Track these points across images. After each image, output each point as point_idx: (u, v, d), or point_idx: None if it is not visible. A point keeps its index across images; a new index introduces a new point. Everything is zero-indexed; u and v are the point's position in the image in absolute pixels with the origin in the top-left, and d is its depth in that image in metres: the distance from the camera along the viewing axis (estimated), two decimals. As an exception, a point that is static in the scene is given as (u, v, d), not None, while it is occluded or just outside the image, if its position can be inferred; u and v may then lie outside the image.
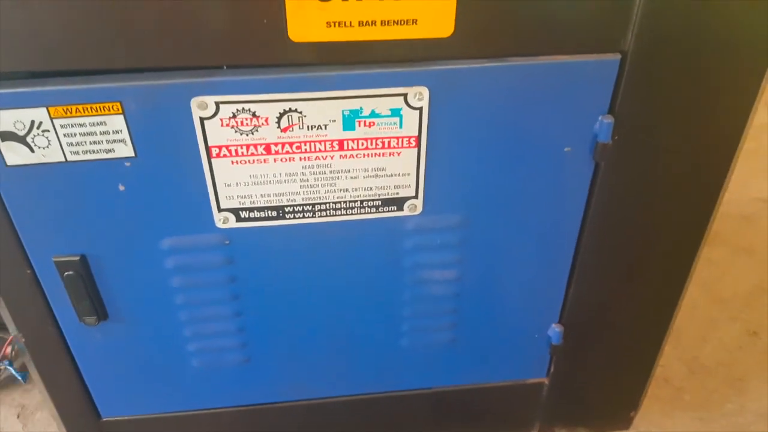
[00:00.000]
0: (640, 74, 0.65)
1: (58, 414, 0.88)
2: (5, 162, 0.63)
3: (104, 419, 0.90)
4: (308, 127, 0.65)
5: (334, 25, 0.59)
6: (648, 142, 0.70)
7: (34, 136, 0.62)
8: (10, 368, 1.08)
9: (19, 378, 1.09)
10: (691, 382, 1.19)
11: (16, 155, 0.63)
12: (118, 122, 0.62)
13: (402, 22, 0.59)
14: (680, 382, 1.19)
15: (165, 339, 0.80)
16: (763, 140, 1.93)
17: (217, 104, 0.62)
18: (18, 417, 1.14)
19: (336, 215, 0.72)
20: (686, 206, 0.76)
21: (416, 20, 0.60)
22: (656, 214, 0.76)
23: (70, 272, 0.72)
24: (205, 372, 0.85)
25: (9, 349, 1.03)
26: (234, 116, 0.63)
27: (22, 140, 0.62)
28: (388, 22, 0.59)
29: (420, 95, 0.64)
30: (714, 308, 1.37)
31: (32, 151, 0.63)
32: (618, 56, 0.64)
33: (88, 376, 0.83)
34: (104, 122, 0.62)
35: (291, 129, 0.65)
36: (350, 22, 0.59)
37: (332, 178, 0.69)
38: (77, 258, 0.71)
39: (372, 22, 0.59)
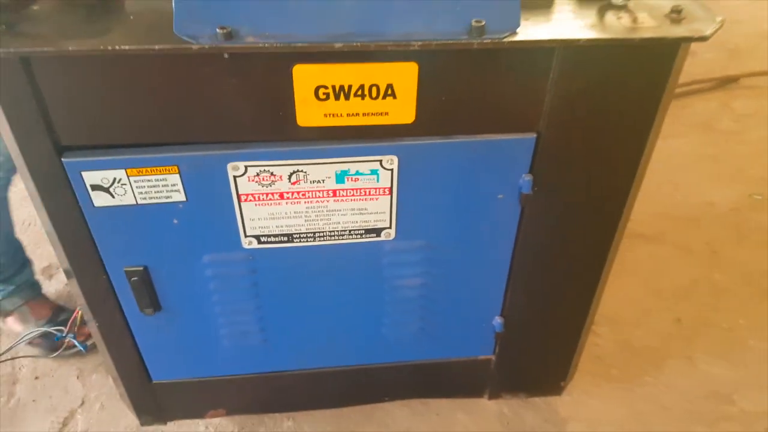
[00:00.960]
0: (550, 145, 0.89)
1: (119, 376, 1.15)
2: (93, 204, 0.89)
3: (154, 381, 1.17)
4: (311, 181, 0.90)
5: (329, 116, 0.83)
6: (558, 192, 0.95)
7: (115, 187, 0.87)
8: (74, 340, 1.35)
9: (81, 348, 1.37)
10: (619, 359, 1.46)
11: (101, 200, 0.88)
12: (175, 179, 0.87)
13: (377, 114, 0.84)
14: (610, 360, 1.46)
15: (203, 325, 1.07)
16: (724, 147, 2.17)
17: (246, 167, 0.87)
18: (77, 378, 1.42)
19: (331, 240, 0.98)
20: (589, 232, 1.02)
21: (387, 113, 0.84)
22: (566, 239, 1.02)
23: (136, 278, 0.98)
24: (233, 348, 1.12)
25: (72, 324, 1.31)
26: (258, 175, 0.88)
27: (106, 190, 0.87)
28: (367, 113, 0.84)
29: (391, 161, 0.89)
30: (650, 299, 1.63)
31: (113, 197, 0.88)
32: (534, 135, 0.88)
33: (144, 350, 1.11)
34: (165, 179, 0.87)
35: (298, 183, 0.90)
36: (340, 114, 0.83)
37: (328, 215, 0.94)
38: (141, 268, 0.97)
39: (356, 113, 0.84)
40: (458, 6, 0.76)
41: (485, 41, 0.76)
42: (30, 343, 1.39)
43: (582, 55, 0.81)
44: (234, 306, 1.05)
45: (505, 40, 0.76)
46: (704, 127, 2.23)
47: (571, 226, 1.00)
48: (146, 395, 1.20)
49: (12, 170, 1.23)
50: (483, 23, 0.75)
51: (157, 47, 0.73)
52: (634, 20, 0.82)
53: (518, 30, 0.77)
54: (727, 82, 2.46)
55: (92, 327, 1.07)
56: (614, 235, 1.03)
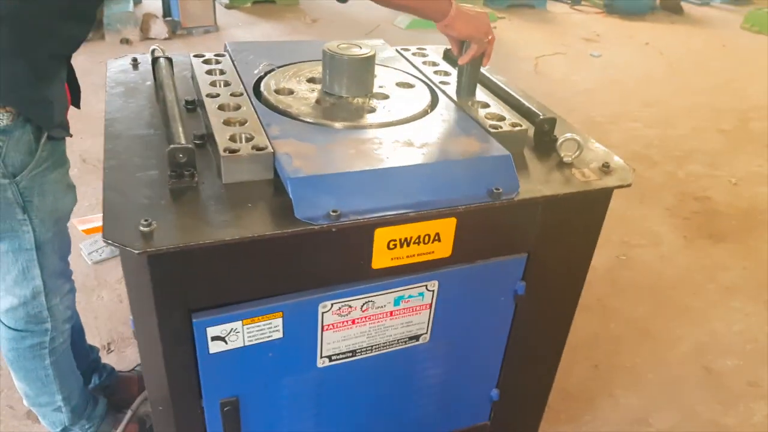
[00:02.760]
0: (538, 259, 1.27)
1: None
2: (209, 351, 1.09)
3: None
4: (376, 308, 1.18)
5: (395, 258, 1.14)
6: (539, 290, 1.32)
7: (230, 336, 1.09)
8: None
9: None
10: (562, 405, 1.86)
11: (217, 347, 1.09)
12: (278, 322, 1.11)
13: (427, 253, 1.16)
14: (557, 407, 1.85)
15: (274, 437, 1.27)
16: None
17: (332, 304, 1.13)
18: None
19: (384, 349, 1.25)
20: (558, 315, 1.40)
21: (433, 251, 1.16)
22: (543, 322, 1.40)
23: (228, 407, 1.17)
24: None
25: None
26: (339, 308, 1.15)
27: (222, 339, 1.08)
28: (420, 253, 1.15)
29: (434, 284, 1.20)
30: (570, 353, 2.05)
31: (226, 343, 1.09)
32: (525, 254, 1.26)
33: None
34: (271, 323, 1.10)
35: (367, 310, 1.18)
36: (402, 256, 1.14)
37: (384, 330, 1.23)
38: (234, 398, 1.17)
39: (412, 254, 1.15)
40: (481, 180, 1.12)
41: (503, 201, 1.13)
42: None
43: (556, 202, 1.20)
44: (302, 415, 1.27)
45: (514, 199, 1.14)
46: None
47: (546, 312, 1.38)
48: None
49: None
50: (500, 190, 1.12)
51: (288, 231, 1.00)
52: (583, 174, 1.24)
53: (519, 191, 1.15)
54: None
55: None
56: (573, 314, 1.43)
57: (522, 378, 1.49)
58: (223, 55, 1.51)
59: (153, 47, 1.50)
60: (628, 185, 1.22)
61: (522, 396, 1.54)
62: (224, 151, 1.09)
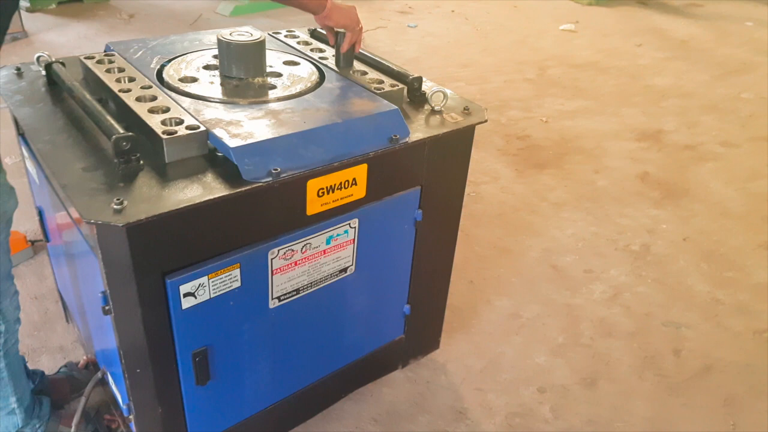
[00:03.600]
0: (429, 190, 1.58)
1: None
2: (182, 307, 1.25)
3: (195, 446, 1.49)
4: (313, 248, 1.42)
5: (323, 204, 1.38)
6: (432, 216, 1.65)
7: (198, 290, 1.26)
8: None
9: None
10: (452, 317, 2.23)
11: (188, 302, 1.26)
12: (236, 273, 1.30)
13: (347, 196, 1.41)
14: (448, 319, 2.22)
15: (236, 379, 1.46)
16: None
17: (278, 250, 1.35)
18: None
19: (321, 284, 1.49)
20: (446, 234, 1.74)
21: (352, 194, 1.42)
22: (437, 241, 1.73)
23: (199, 357, 1.34)
24: (252, 391, 1.52)
25: None
26: (284, 253, 1.37)
27: (192, 294, 1.25)
28: (342, 197, 1.41)
29: (354, 222, 1.46)
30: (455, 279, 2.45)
31: (195, 298, 1.26)
32: (419, 187, 1.56)
33: (189, 416, 1.43)
34: (231, 274, 1.29)
35: (306, 251, 1.41)
36: (329, 201, 1.39)
37: (320, 266, 1.47)
38: (204, 348, 1.34)
39: (336, 199, 1.40)
40: (381, 131, 1.40)
41: (400, 144, 1.42)
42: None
43: (439, 141, 1.51)
44: (258, 353, 1.47)
45: (409, 141, 1.43)
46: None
47: (438, 233, 1.71)
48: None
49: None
50: (398, 137, 1.41)
51: (243, 189, 1.20)
52: (452, 117, 1.56)
53: (410, 136, 1.44)
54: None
55: (146, 411, 1.37)
56: (457, 230, 1.78)
57: (425, 292, 1.82)
58: (112, 55, 1.61)
59: (38, 54, 1.56)
60: (485, 121, 1.58)
61: (426, 309, 1.87)
62: (164, 134, 1.24)
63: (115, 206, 1.09)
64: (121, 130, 1.22)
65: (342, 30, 1.59)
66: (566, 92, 4.36)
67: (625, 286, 2.48)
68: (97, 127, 1.29)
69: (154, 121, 1.28)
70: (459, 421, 1.88)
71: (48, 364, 1.95)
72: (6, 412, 1.48)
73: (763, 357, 2.19)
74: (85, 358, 1.83)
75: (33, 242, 2.30)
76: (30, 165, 1.61)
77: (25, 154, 1.60)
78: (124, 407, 1.42)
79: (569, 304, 2.38)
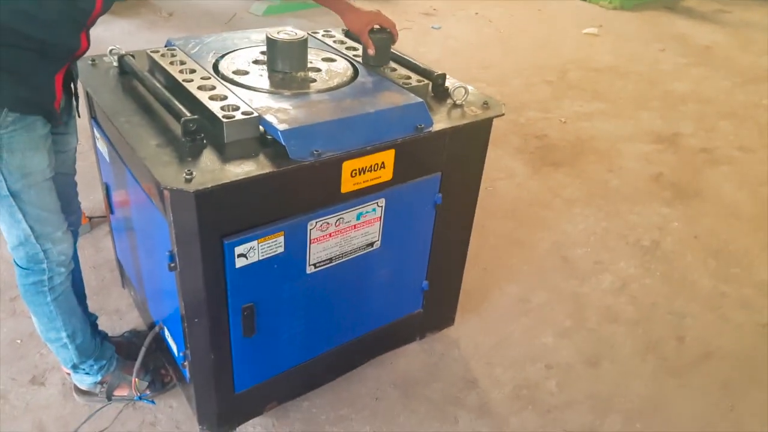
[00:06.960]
0: (448, 176, 1.78)
1: (208, 394, 1.65)
2: (236, 266, 1.47)
3: (236, 393, 1.70)
4: (345, 222, 1.62)
5: (356, 184, 1.58)
6: (452, 201, 1.84)
7: (249, 252, 1.47)
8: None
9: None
10: (466, 299, 2.42)
11: (240, 262, 1.47)
12: (281, 240, 1.51)
13: (376, 178, 1.62)
14: (462, 301, 2.41)
15: (278, 334, 1.67)
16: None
17: (316, 222, 1.56)
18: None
19: (350, 255, 1.70)
20: (463, 217, 1.94)
21: (380, 176, 1.62)
22: (456, 224, 1.92)
23: (247, 312, 1.55)
24: (290, 346, 1.73)
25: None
26: (321, 225, 1.57)
27: (244, 256, 1.47)
28: (372, 179, 1.61)
29: (381, 202, 1.67)
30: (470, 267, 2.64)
31: (246, 259, 1.48)
32: (440, 173, 1.76)
33: (236, 366, 1.65)
34: (276, 240, 1.50)
35: (339, 225, 1.62)
36: (360, 182, 1.59)
37: (350, 239, 1.67)
38: (251, 304, 1.55)
39: (366, 180, 1.60)
40: (408, 120, 1.60)
41: (425, 133, 1.62)
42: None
43: (459, 131, 1.71)
44: (295, 312, 1.68)
45: (432, 130, 1.63)
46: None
47: (456, 216, 1.91)
48: (229, 407, 1.71)
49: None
50: (423, 126, 1.61)
51: (289, 167, 1.41)
52: (472, 110, 1.76)
53: (433, 125, 1.64)
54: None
55: (200, 357, 1.58)
56: (473, 216, 1.98)
57: (443, 271, 2.01)
58: (173, 49, 1.83)
59: (111, 47, 1.79)
60: (503, 114, 1.77)
61: (443, 286, 2.07)
62: (224, 118, 1.46)
63: (186, 176, 1.31)
64: (188, 114, 1.44)
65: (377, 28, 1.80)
66: (585, 95, 4.52)
67: (633, 278, 2.65)
68: (167, 110, 1.51)
69: (215, 107, 1.50)
70: (470, 389, 2.07)
71: (106, 324, 2.18)
72: (59, 345, 1.70)
73: (764, 349, 2.33)
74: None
75: (91, 218, 2.55)
76: (101, 144, 1.84)
77: (97, 135, 1.83)
78: (180, 355, 1.63)
79: (577, 292, 2.55)
